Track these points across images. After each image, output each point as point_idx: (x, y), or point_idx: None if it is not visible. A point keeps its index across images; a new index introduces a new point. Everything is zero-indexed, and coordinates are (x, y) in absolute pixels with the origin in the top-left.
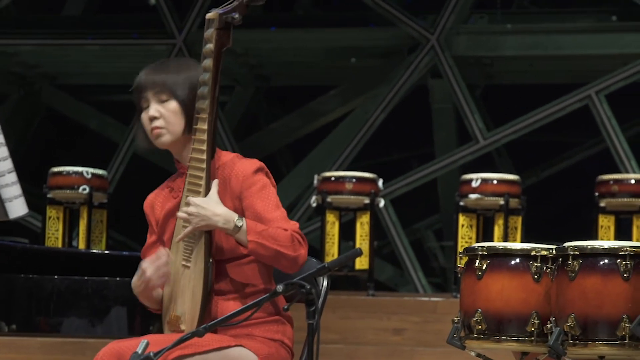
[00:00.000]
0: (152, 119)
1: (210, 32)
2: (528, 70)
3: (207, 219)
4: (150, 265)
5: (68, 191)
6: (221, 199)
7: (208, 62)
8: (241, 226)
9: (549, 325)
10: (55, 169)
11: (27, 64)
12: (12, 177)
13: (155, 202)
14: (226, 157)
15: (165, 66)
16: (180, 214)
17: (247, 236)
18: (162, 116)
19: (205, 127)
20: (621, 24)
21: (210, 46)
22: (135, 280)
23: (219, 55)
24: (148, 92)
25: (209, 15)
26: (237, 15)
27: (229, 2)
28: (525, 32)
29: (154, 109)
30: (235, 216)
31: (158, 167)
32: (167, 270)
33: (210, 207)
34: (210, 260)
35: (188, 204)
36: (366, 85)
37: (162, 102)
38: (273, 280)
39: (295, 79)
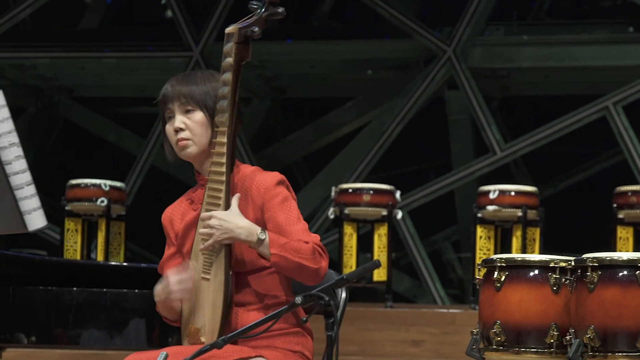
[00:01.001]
0: (178, 130)
1: (229, 46)
2: (544, 81)
3: (230, 231)
4: (174, 277)
5: (86, 203)
6: (243, 211)
7: (227, 76)
8: (264, 239)
9: (568, 337)
10: (73, 182)
11: (44, 76)
12: (31, 189)
13: (174, 215)
14: (247, 169)
15: (192, 77)
16: (201, 230)
17: (270, 249)
18: (188, 127)
19: (224, 140)
20: (638, 35)
21: (229, 60)
22: (158, 289)
23: (238, 69)
24: (174, 103)
25: (228, 30)
26: (256, 29)
27: (248, 16)
28: (542, 43)
29: (179, 120)
30: (258, 229)
31: (175, 179)
32: (190, 286)
33: (233, 219)
34: (230, 272)
35: (209, 218)
36: (383, 97)
37: (187, 113)
38: (292, 291)
39: (311, 91)
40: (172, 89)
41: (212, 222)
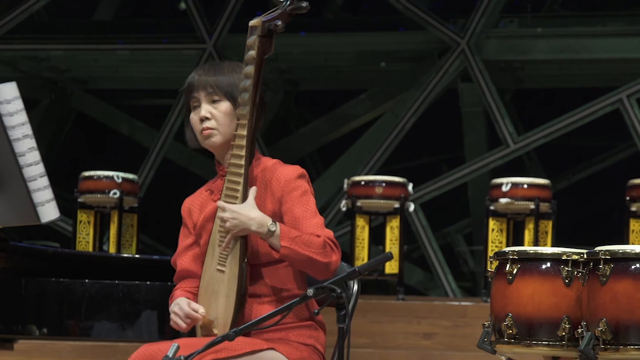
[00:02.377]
0: (203, 119)
1: (252, 39)
2: (558, 74)
3: (242, 223)
4: (180, 311)
5: (99, 195)
6: (261, 202)
7: (250, 69)
8: (274, 231)
9: (580, 330)
10: (86, 174)
11: (58, 68)
12: (44, 181)
13: (193, 206)
14: (268, 162)
15: (219, 67)
16: (218, 222)
17: (280, 241)
18: (214, 117)
19: (244, 133)
20: None
21: (252, 53)
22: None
23: (261, 63)
24: (200, 92)
25: (252, 23)
26: (280, 23)
27: (272, 9)
28: (556, 35)
29: (205, 109)
30: (269, 220)
31: (188, 172)
32: (185, 326)
33: (245, 211)
34: (245, 265)
35: (223, 209)
36: (396, 89)
37: (213, 102)
38: (307, 284)
39: (324, 84)
40: (199, 78)
41: (226, 215)
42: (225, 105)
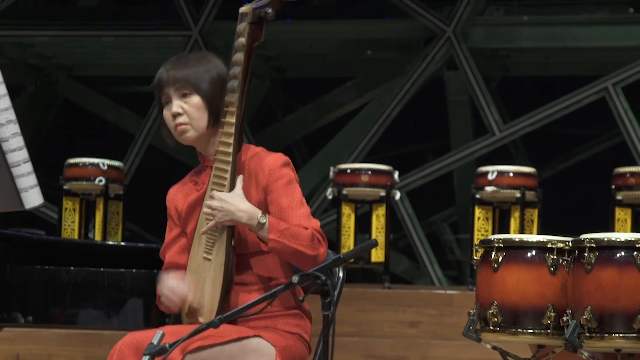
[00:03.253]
0: (176, 115)
1: (242, 26)
2: (544, 62)
3: (231, 214)
4: (169, 291)
5: (84, 183)
6: (247, 192)
7: (239, 56)
8: (264, 223)
9: (565, 318)
10: (72, 161)
11: (43, 55)
12: (28, 167)
13: (177, 196)
14: (253, 150)
15: (186, 61)
16: (205, 209)
17: (269, 234)
18: (186, 112)
19: (233, 120)
20: (638, 15)
21: (242, 40)
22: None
23: (251, 50)
24: (170, 88)
25: (242, 9)
26: (270, 11)
27: None
28: (542, 23)
29: (176, 105)
30: (259, 213)
31: (174, 159)
32: (177, 301)
33: (235, 202)
34: (232, 252)
35: (212, 198)
36: (382, 77)
37: (184, 97)
38: (293, 273)
39: (311, 71)
40: (166, 73)
41: (214, 203)
42: (195, 99)
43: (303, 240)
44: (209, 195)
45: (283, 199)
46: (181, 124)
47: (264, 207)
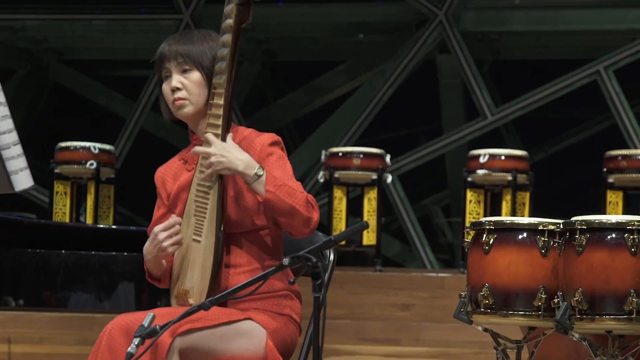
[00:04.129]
0: (175, 89)
1: (230, 8)
2: (536, 45)
3: (229, 161)
4: (162, 232)
5: (75, 166)
6: None
7: (227, 38)
8: (262, 175)
9: (556, 300)
10: (63, 144)
11: (34, 39)
12: (18, 149)
13: (166, 175)
14: (245, 131)
15: (189, 36)
16: (197, 148)
17: (265, 186)
18: (185, 87)
19: (221, 102)
20: None
21: (229, 21)
22: (147, 246)
23: (238, 31)
24: (171, 63)
25: None
26: None
27: None
28: (534, 7)
29: (176, 79)
30: (256, 164)
31: (165, 143)
32: (178, 238)
33: (234, 150)
34: (221, 234)
35: (208, 143)
36: (374, 61)
37: (184, 72)
38: (283, 255)
39: (302, 55)
40: (169, 48)
41: (211, 149)
42: (195, 75)
43: (298, 200)
44: (198, 169)
45: (276, 171)
46: (179, 98)
47: None
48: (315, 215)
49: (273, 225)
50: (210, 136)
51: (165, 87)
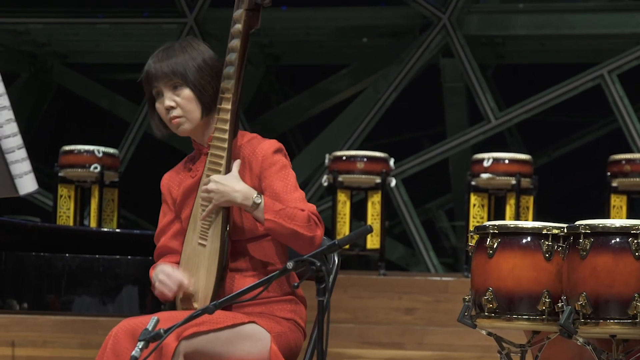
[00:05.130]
0: (169, 109)
1: (239, 13)
2: (540, 49)
3: (227, 194)
4: (165, 277)
5: (79, 170)
6: (244, 177)
7: (235, 43)
8: (259, 203)
9: (560, 304)
10: (67, 148)
11: (38, 42)
12: (22, 153)
13: (172, 182)
14: (246, 137)
15: (172, 51)
16: (201, 195)
17: (265, 214)
18: (179, 105)
19: (229, 107)
20: (634, 2)
21: (238, 26)
22: (152, 271)
23: (247, 36)
24: (159, 82)
25: None
26: None
27: None
28: (537, 11)
29: (169, 98)
30: (254, 193)
31: (169, 146)
32: (168, 293)
33: (230, 183)
34: (227, 238)
35: (208, 183)
36: (377, 65)
37: (175, 89)
38: (288, 259)
39: (306, 58)
40: (154, 66)
41: (210, 185)
42: (186, 91)
43: (299, 221)
44: (204, 181)
45: (277, 183)
46: (175, 117)
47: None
48: (319, 232)
49: None
50: (211, 176)
51: (159, 107)
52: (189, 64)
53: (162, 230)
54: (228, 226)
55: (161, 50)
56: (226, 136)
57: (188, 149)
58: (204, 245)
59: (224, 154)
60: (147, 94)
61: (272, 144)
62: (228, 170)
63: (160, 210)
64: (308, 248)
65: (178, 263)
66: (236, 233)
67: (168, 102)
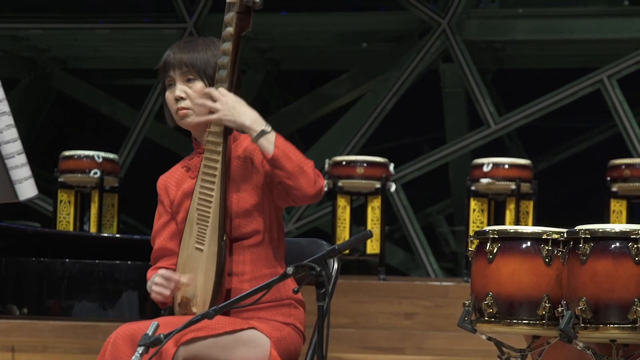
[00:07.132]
0: (178, 99)
1: (230, 16)
2: (539, 54)
3: (237, 114)
4: (160, 278)
5: (79, 175)
6: (248, 177)
7: (227, 46)
8: (269, 132)
9: (560, 309)
10: (67, 153)
11: (38, 48)
12: (22, 158)
13: (169, 182)
14: (246, 141)
15: (194, 45)
16: (206, 102)
17: (275, 141)
18: (189, 97)
19: None
20: (633, 8)
21: (230, 30)
22: (149, 276)
23: (239, 39)
24: (175, 71)
25: None
26: (257, 0)
27: None
28: (537, 16)
29: (179, 89)
30: (264, 122)
31: (169, 151)
32: (165, 293)
33: (241, 104)
34: (224, 242)
35: (219, 94)
36: (377, 70)
37: (188, 82)
38: (286, 264)
39: (306, 64)
40: (173, 56)
41: (217, 105)
42: (199, 85)
43: (306, 163)
44: (200, 178)
45: None
46: (183, 108)
47: (265, 188)
48: (322, 182)
49: (275, 230)
50: (213, 91)
51: (169, 96)
52: (210, 61)
53: (157, 232)
54: (225, 229)
55: (184, 41)
56: (220, 140)
57: (188, 154)
58: (201, 250)
59: (219, 157)
60: (160, 83)
61: None
62: (224, 172)
63: (156, 211)
64: (308, 190)
65: (176, 264)
66: (232, 231)
67: (178, 93)
